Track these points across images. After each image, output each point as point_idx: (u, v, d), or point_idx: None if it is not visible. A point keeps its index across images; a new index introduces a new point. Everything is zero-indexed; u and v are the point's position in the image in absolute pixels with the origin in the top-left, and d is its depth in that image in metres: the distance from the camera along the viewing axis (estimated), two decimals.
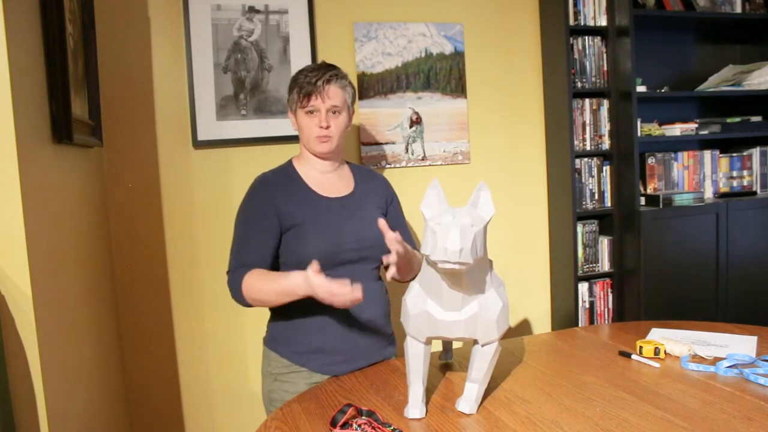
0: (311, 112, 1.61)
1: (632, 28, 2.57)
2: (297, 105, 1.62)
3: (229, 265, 1.59)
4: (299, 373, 1.58)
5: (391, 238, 1.38)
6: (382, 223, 1.41)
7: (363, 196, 1.70)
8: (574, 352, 1.61)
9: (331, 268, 1.55)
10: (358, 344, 1.60)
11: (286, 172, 1.67)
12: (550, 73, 2.76)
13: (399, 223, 1.78)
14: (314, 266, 1.36)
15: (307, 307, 1.51)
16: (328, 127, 1.60)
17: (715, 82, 2.99)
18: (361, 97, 2.53)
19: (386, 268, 1.47)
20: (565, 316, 2.79)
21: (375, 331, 1.63)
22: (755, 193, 3.02)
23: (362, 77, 2.53)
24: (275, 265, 1.61)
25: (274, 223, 1.58)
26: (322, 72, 1.61)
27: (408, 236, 1.77)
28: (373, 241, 1.60)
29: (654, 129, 2.82)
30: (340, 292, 1.33)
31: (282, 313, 1.60)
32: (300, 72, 1.64)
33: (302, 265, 1.52)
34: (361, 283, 1.36)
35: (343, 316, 1.58)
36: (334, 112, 1.62)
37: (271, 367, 1.63)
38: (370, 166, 2.54)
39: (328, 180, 1.68)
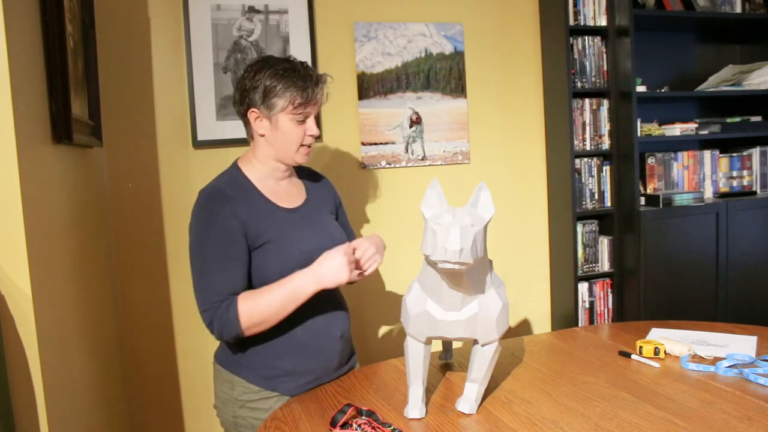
0: (302, 120, 1.46)
1: (632, 28, 2.57)
2: (282, 110, 1.43)
3: (205, 303, 1.39)
4: (270, 398, 1.48)
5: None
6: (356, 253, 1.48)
7: (317, 204, 1.60)
8: (574, 352, 1.61)
9: None
10: (330, 360, 1.52)
11: (239, 182, 1.49)
12: (550, 73, 2.75)
13: (346, 225, 1.72)
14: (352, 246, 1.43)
15: (272, 328, 1.41)
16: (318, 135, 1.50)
17: (715, 82, 2.99)
18: (361, 97, 2.53)
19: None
20: (565, 316, 2.79)
21: (344, 343, 1.56)
22: (755, 193, 3.02)
23: (362, 77, 2.53)
24: None
25: (245, 246, 1.42)
26: (310, 73, 1.45)
27: (353, 237, 1.70)
28: None
29: (654, 129, 2.82)
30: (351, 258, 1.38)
31: None
32: (286, 70, 1.43)
33: (268, 284, 1.42)
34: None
35: (313, 334, 1.49)
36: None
37: (236, 392, 1.49)
38: (371, 167, 2.55)
39: (283, 188, 1.55)
